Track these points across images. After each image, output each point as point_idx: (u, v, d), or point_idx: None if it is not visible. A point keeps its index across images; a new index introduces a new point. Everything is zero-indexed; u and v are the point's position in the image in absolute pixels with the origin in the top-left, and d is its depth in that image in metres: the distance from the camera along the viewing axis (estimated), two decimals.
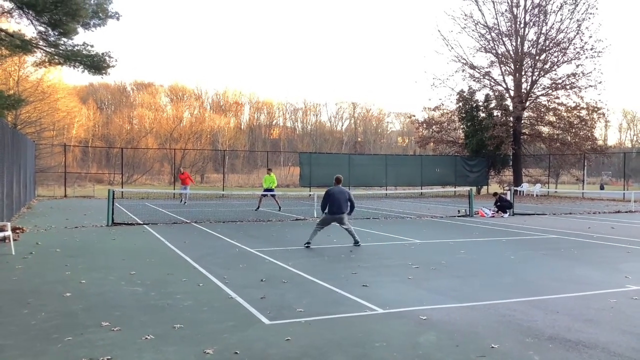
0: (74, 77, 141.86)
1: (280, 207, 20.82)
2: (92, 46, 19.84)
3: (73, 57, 19.43)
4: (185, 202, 24.65)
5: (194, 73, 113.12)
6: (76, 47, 19.66)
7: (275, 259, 9.35)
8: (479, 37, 37.06)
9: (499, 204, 19.38)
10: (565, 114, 36.06)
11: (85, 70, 19.91)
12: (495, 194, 20.69)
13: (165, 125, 64.38)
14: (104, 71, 20.18)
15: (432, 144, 40.07)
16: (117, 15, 19.98)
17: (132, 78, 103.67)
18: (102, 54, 19.90)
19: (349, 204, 11.35)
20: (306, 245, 10.98)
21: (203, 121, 68.53)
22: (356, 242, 11.20)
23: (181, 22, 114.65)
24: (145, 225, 14.80)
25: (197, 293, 6.81)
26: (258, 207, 20.94)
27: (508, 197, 20.14)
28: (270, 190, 21.27)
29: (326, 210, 11.33)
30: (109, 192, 15.43)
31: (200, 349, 4.66)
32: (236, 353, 4.57)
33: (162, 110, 70.33)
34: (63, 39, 19.37)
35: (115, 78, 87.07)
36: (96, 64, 19.69)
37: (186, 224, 15.45)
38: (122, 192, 27.95)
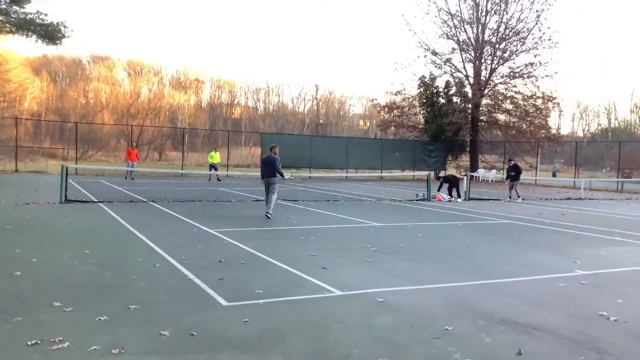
0: (27, 47, 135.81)
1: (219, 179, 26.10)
2: (45, 15, 19.03)
3: (26, 26, 18.59)
4: (133, 178, 25.14)
5: (154, 51, 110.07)
6: (29, 16, 18.80)
7: (234, 240, 9.29)
8: (442, 23, 37.34)
9: (446, 186, 19.78)
10: (521, 102, 36.86)
11: (39, 40, 19.13)
12: (438, 177, 20.99)
13: (122, 100, 62.58)
14: (58, 41, 19.44)
15: (392, 127, 40.44)
16: None
17: (89, 52, 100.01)
18: (57, 23, 19.14)
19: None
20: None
21: (162, 97, 66.96)
22: (267, 214, 12.59)
23: None
24: (100, 203, 14.44)
25: (153, 274, 6.71)
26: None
27: (465, 183, 20.49)
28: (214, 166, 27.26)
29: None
30: (62, 167, 14.93)
31: (156, 330, 4.59)
32: (192, 334, 4.53)
33: (119, 85, 68.26)
34: (14, 6, 18.49)
35: (71, 50, 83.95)
36: (50, 33, 18.92)
37: (143, 202, 15.16)
38: (76, 168, 27.03)
